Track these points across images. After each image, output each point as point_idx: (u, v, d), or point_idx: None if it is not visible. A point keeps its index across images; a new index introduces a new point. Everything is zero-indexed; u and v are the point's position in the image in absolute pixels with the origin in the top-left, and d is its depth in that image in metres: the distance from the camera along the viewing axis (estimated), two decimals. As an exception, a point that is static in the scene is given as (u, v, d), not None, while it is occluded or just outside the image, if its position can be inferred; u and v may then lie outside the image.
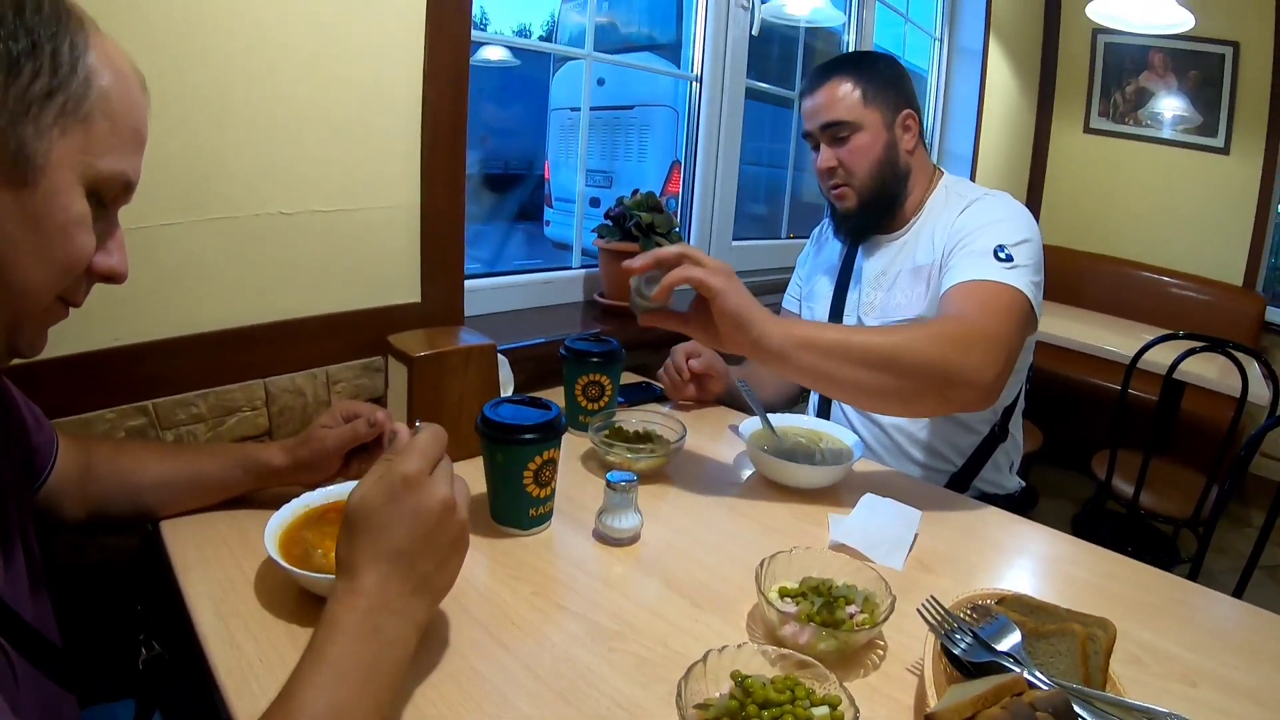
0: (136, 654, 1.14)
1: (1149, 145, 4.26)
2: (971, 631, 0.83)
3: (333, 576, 0.74)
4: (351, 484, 1.07)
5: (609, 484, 1.10)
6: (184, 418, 1.33)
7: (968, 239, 1.47)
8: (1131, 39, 4.10)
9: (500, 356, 1.45)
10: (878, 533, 1.15)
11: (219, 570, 1.00)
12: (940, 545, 1.18)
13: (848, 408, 1.73)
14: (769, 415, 1.47)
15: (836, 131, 1.59)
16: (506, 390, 1.49)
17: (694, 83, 2.48)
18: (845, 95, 1.58)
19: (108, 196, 0.71)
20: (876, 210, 1.64)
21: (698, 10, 2.44)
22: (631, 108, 3.80)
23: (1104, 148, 4.40)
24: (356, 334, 1.49)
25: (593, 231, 2.13)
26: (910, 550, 1.14)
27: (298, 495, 1.07)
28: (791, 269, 1.95)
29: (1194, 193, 4.17)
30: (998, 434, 1.66)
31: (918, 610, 0.87)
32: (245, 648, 0.86)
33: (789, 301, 1.94)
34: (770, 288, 2.61)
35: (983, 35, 3.71)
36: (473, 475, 1.08)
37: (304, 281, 1.44)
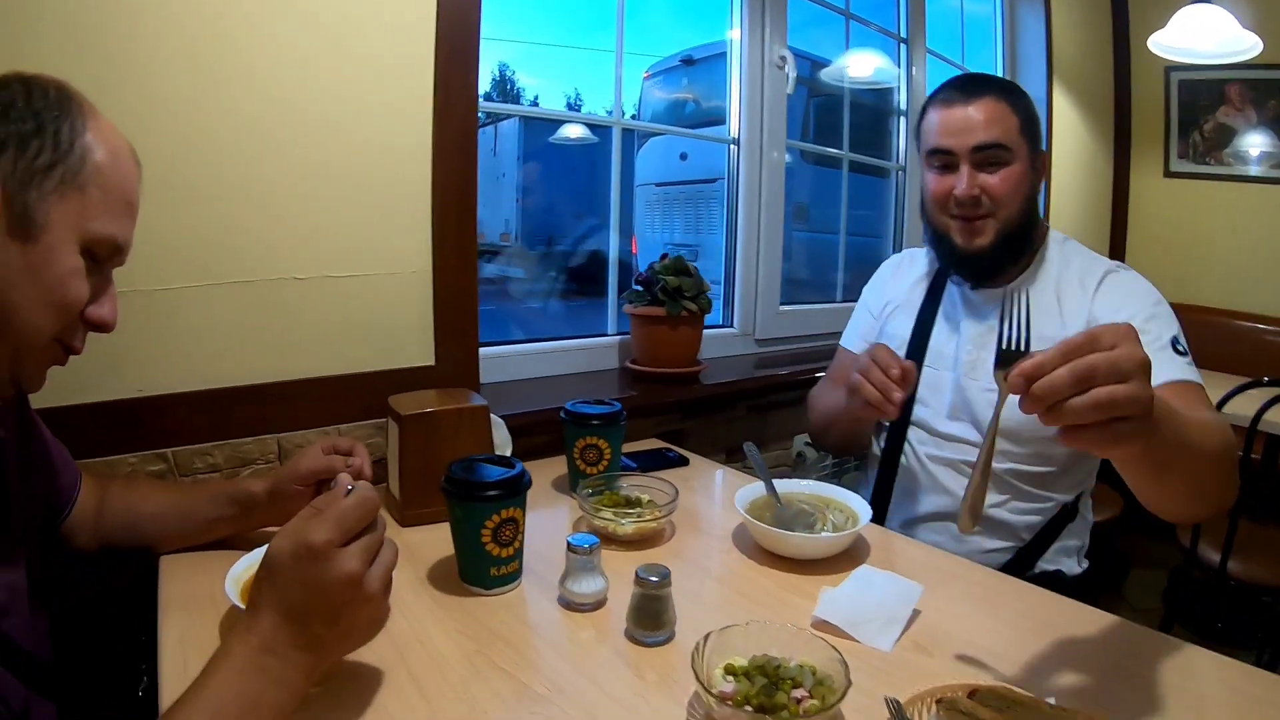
0: (137, 683, 1.22)
1: (1233, 184, 3.98)
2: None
3: None
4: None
5: (569, 547, 1.09)
6: (201, 466, 1.41)
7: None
8: (1205, 73, 3.87)
9: (496, 418, 1.47)
10: (867, 610, 1.06)
11: (197, 607, 1.06)
12: (946, 623, 1.08)
13: (920, 474, 1.57)
14: (776, 481, 1.42)
15: (991, 155, 1.41)
16: (504, 452, 1.50)
17: (731, 146, 2.49)
18: (1004, 117, 1.41)
19: (100, 254, 0.84)
20: (1011, 251, 1.47)
21: (731, 74, 2.46)
22: (714, 181, 3.83)
23: (1186, 191, 4.13)
24: (368, 394, 1.53)
25: (621, 297, 2.15)
26: (905, 630, 1.04)
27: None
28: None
29: (1285, 230, 3.88)
30: (1069, 511, 1.52)
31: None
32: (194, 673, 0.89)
33: (851, 340, 1.78)
34: (823, 353, 2.54)
35: (1045, 81, 3.59)
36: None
37: (317, 343, 1.50)
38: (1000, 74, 3.67)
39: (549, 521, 1.42)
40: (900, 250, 3.08)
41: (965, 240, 1.47)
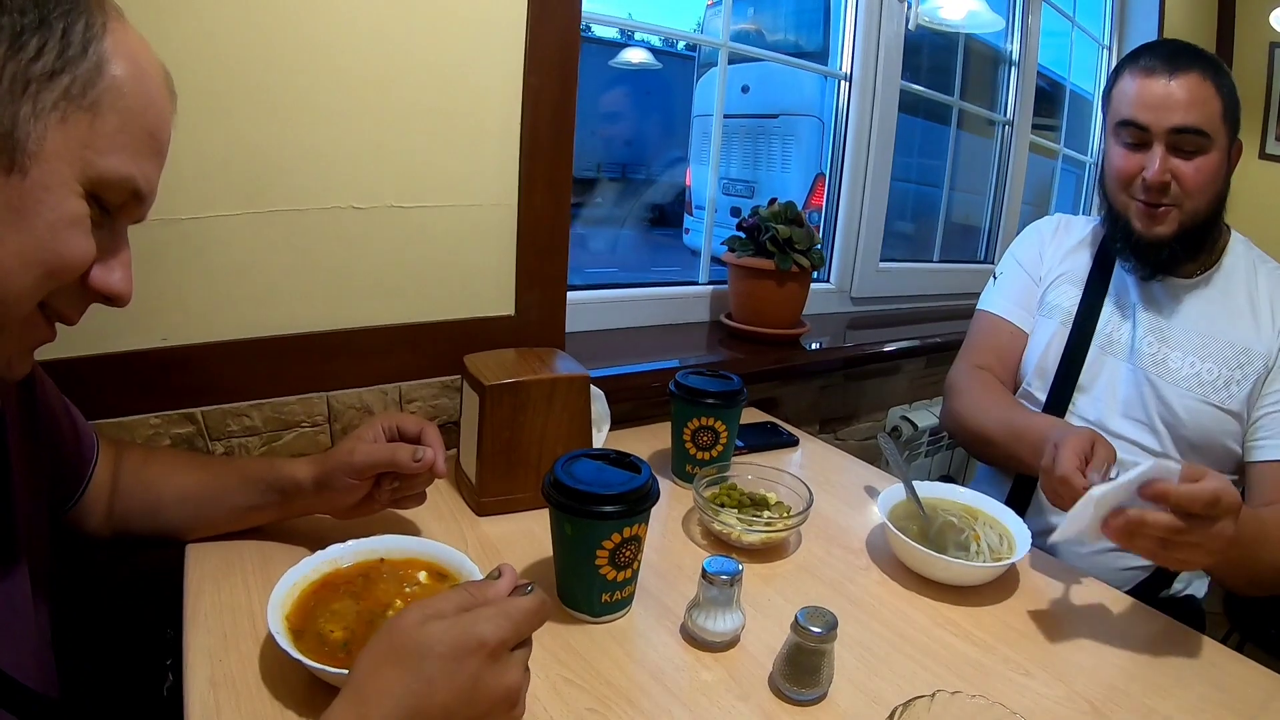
0: (162, 680, 1.07)
1: None
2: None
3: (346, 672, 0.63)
4: (392, 539, 0.92)
5: (705, 574, 0.87)
6: (235, 429, 1.20)
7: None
8: None
9: (596, 390, 1.25)
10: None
11: (229, 614, 0.88)
12: (1118, 679, 0.93)
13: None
14: (916, 483, 1.21)
15: (1189, 140, 1.27)
16: (601, 429, 1.28)
17: (843, 82, 2.22)
18: (1208, 100, 1.27)
19: (112, 203, 0.63)
20: (1189, 246, 1.34)
21: (847, 3, 2.18)
22: (776, 116, 3.71)
23: None
24: (436, 348, 1.33)
25: (723, 244, 1.89)
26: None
27: (341, 539, 0.92)
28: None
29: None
30: None
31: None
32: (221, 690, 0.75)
33: (1003, 306, 1.55)
34: (919, 316, 2.39)
35: (1156, 45, 3.33)
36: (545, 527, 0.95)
37: (377, 286, 1.28)
38: (1108, 33, 3.48)
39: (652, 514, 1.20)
40: (1000, 211, 2.95)
41: (1144, 226, 1.34)
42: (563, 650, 0.87)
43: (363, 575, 0.88)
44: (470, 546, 1.04)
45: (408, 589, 0.87)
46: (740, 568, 0.88)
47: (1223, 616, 2.73)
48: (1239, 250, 1.39)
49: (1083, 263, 1.48)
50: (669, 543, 1.13)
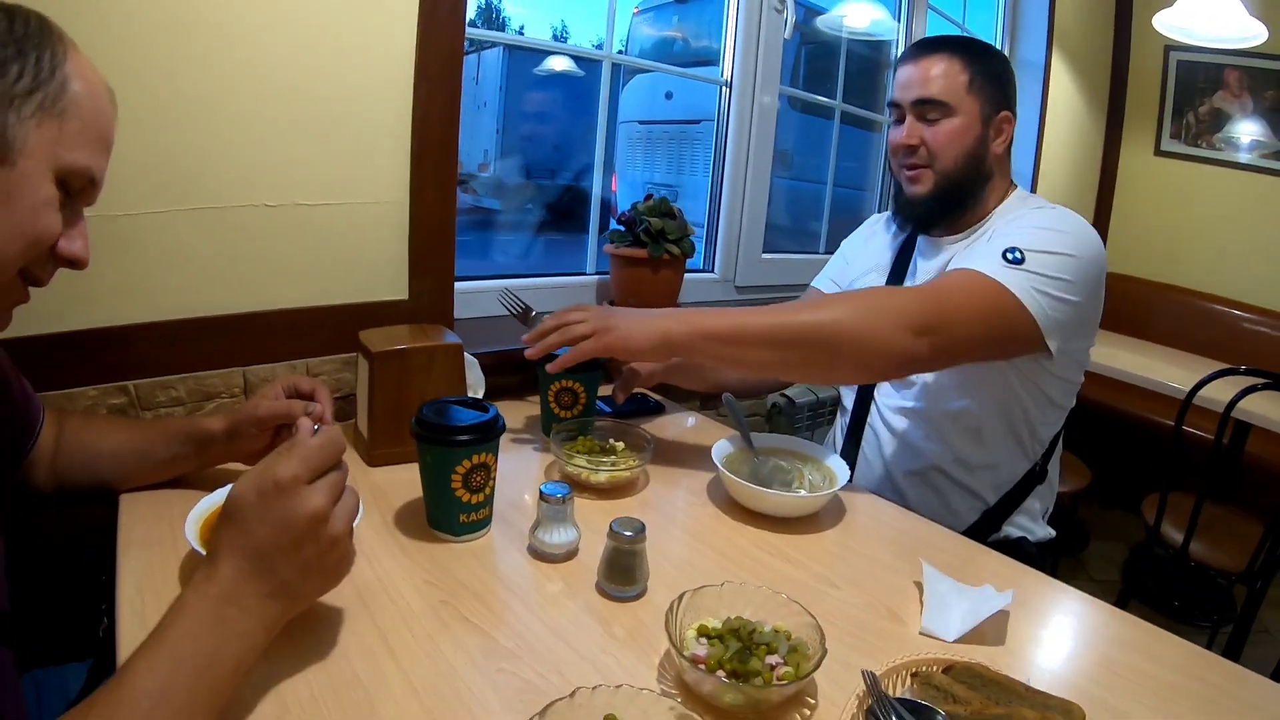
0: (97, 623, 1.17)
1: (1223, 170, 3.97)
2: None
3: None
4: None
5: (541, 496, 1.06)
6: (163, 400, 1.36)
7: (997, 241, 1.37)
8: (1206, 55, 3.85)
9: (470, 358, 1.43)
10: (960, 614, 0.99)
11: (156, 548, 1.03)
12: (916, 591, 1.07)
13: (881, 430, 1.62)
14: (753, 434, 1.40)
15: (927, 110, 1.48)
16: (477, 393, 1.47)
17: (724, 88, 2.41)
18: (949, 75, 1.47)
19: (74, 187, 0.81)
20: (949, 203, 1.52)
21: (728, 14, 2.37)
22: (699, 122, 3.78)
23: (1176, 171, 4.13)
24: (338, 328, 1.49)
25: (602, 235, 2.08)
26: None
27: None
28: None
29: (1272, 221, 3.84)
30: (1036, 474, 1.53)
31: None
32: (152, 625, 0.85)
33: (823, 282, 1.81)
34: None
35: (1045, 47, 3.53)
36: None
37: (287, 273, 1.45)
38: (999, 38, 3.67)
39: (520, 466, 1.39)
40: (885, 203, 3.15)
41: (908, 187, 1.54)
42: (427, 562, 1.05)
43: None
44: (362, 490, 1.19)
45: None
46: (570, 489, 1.07)
47: (1119, 581, 2.98)
48: (1012, 204, 1.53)
49: (891, 251, 1.68)
50: (534, 489, 1.28)
